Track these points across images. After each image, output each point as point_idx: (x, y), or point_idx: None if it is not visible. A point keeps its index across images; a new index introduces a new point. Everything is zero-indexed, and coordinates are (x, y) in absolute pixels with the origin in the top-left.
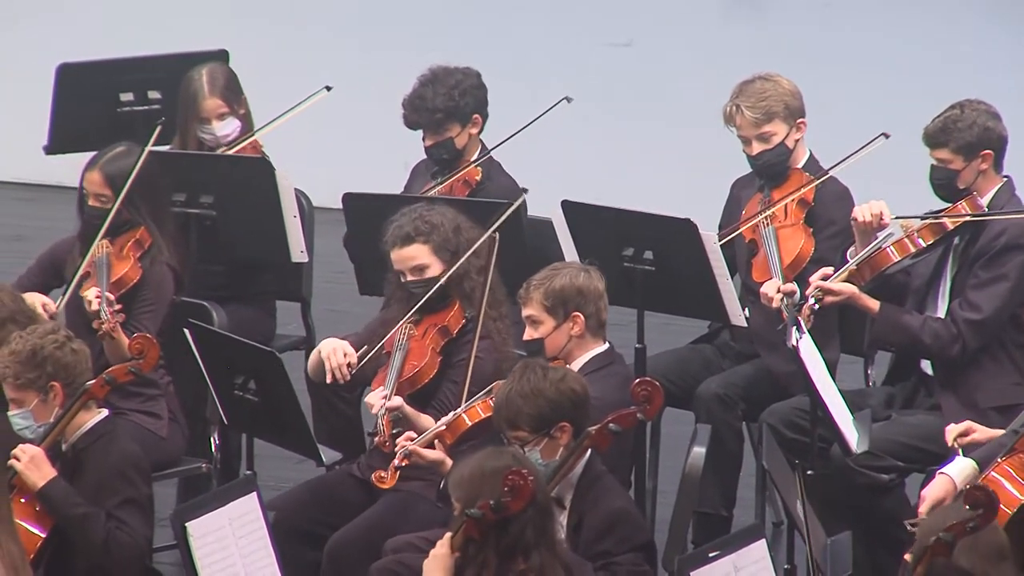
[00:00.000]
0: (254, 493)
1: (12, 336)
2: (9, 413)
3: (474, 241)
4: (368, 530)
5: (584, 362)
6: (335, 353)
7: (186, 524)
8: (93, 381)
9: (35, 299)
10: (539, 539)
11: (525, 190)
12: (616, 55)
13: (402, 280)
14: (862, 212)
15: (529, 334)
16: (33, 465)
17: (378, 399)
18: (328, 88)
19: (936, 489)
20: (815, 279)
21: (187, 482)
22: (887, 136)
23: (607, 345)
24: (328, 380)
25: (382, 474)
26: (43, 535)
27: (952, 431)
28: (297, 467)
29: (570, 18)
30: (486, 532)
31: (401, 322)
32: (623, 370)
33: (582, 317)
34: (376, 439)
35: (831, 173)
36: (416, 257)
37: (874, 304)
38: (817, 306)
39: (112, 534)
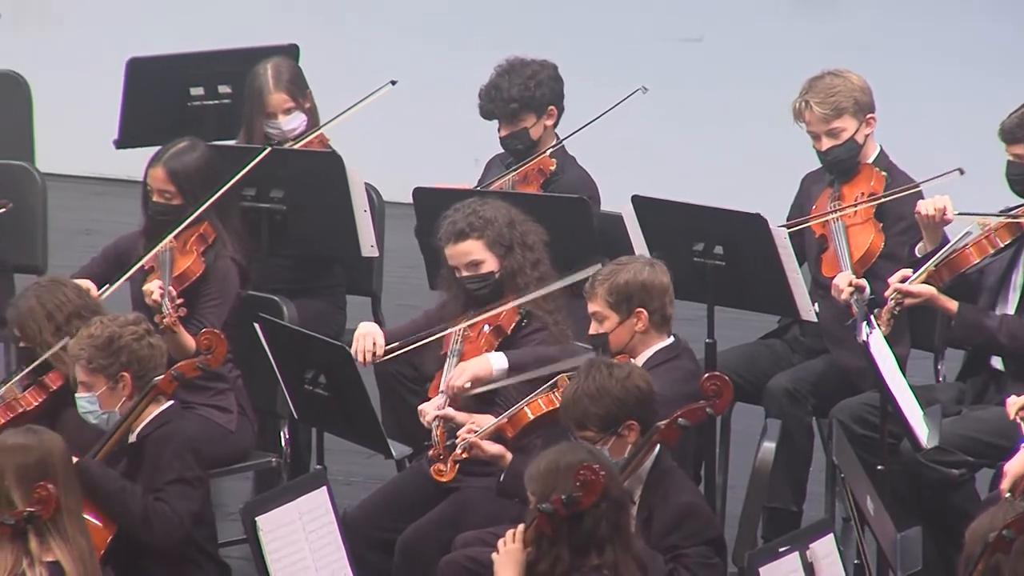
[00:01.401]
0: (324, 487)
1: (94, 320)
2: (77, 395)
3: (528, 234)
4: (439, 525)
5: (648, 356)
6: (365, 338)
7: (256, 518)
8: (161, 376)
9: (79, 284)
10: (613, 534)
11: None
12: (687, 51)
13: (457, 276)
14: (926, 207)
15: (594, 328)
16: None
17: (432, 408)
18: (393, 82)
19: (1018, 464)
20: (894, 281)
21: (259, 476)
22: (962, 172)
23: (672, 339)
24: (359, 359)
25: (441, 467)
26: (111, 532)
27: (1015, 404)
28: (367, 461)
29: (641, 14)
30: (558, 527)
31: (459, 331)
32: (688, 364)
33: (646, 313)
34: (431, 451)
35: (896, 195)
36: (471, 253)
37: (953, 305)
38: (897, 309)
39: (150, 506)
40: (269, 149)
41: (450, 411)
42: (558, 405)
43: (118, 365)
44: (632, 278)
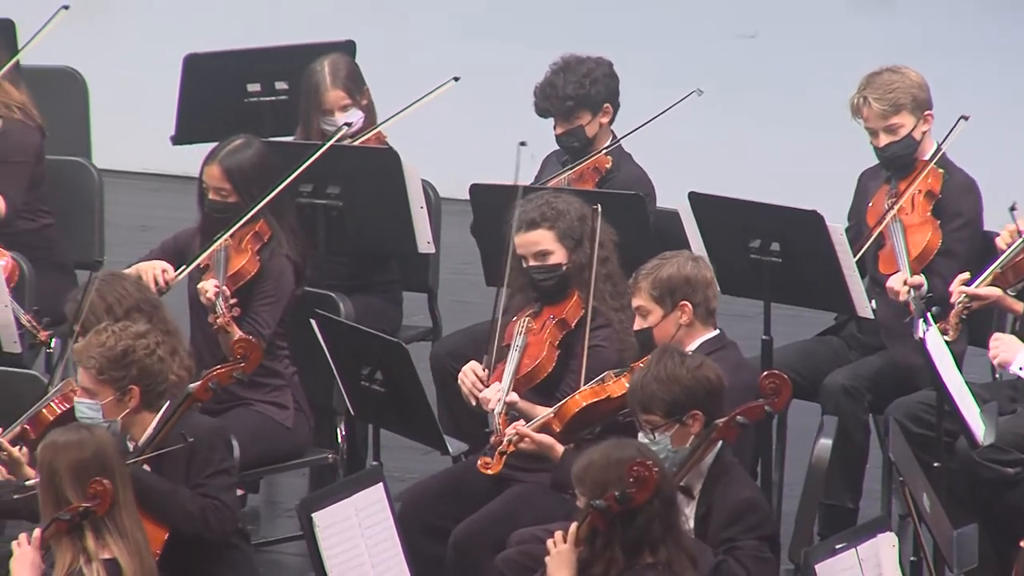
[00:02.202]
0: (380, 484)
1: (104, 327)
2: (76, 399)
3: (598, 231)
4: (493, 522)
5: (694, 348)
6: (465, 377)
7: (312, 515)
8: (197, 385)
9: (155, 265)
10: (666, 533)
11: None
12: (743, 48)
13: (524, 265)
14: (1003, 239)
15: (639, 324)
16: None
17: (494, 395)
18: (456, 79)
19: None
20: (957, 286)
21: (315, 472)
22: (966, 118)
23: (718, 331)
24: (473, 404)
25: (488, 460)
26: (165, 533)
27: None
28: (423, 458)
29: (697, 11)
30: (611, 524)
31: (523, 322)
32: (735, 355)
33: (690, 306)
34: (492, 438)
35: (933, 164)
36: (540, 242)
37: (1019, 306)
38: (965, 313)
39: (205, 503)
40: (333, 140)
41: (514, 396)
42: (603, 397)
43: (128, 379)
44: (676, 272)
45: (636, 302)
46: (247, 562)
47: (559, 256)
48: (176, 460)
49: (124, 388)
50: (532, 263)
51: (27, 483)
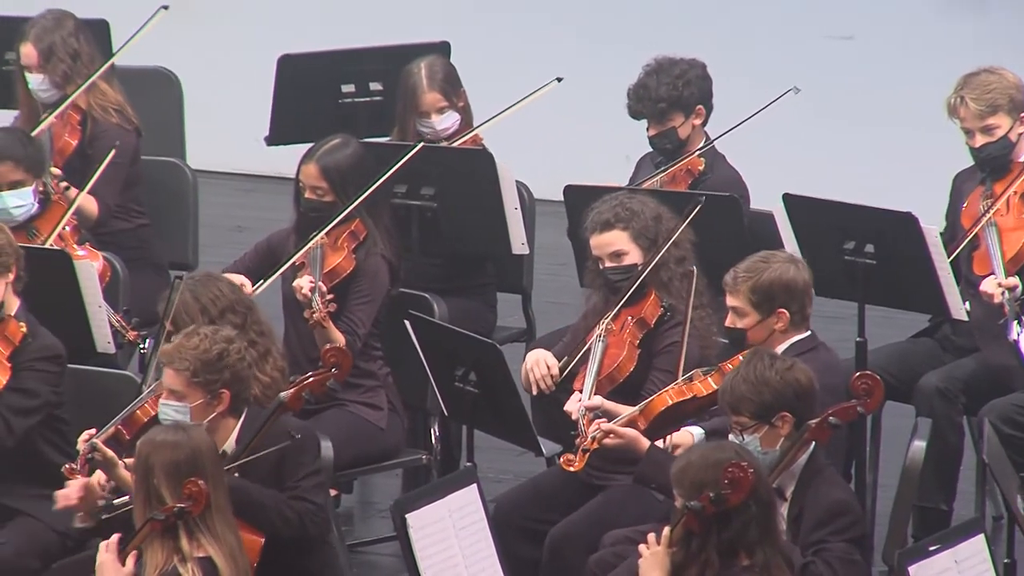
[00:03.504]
0: (474, 485)
1: (194, 330)
2: (162, 402)
3: (674, 232)
4: (588, 524)
5: (784, 349)
6: (538, 365)
7: (406, 515)
8: (289, 394)
9: (232, 279)
10: (763, 536)
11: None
12: (838, 49)
13: (600, 267)
14: None
15: (732, 322)
16: None
17: (575, 406)
18: (559, 79)
19: None
20: None
21: (409, 473)
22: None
23: (809, 332)
24: (534, 392)
25: (570, 457)
26: (261, 539)
27: None
28: (517, 459)
29: (792, 12)
30: (707, 526)
31: (602, 324)
32: (826, 356)
33: (787, 314)
34: (577, 440)
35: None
36: (614, 243)
37: None
38: None
39: (302, 507)
40: (421, 144)
41: (598, 399)
42: (689, 396)
43: (221, 383)
44: (777, 277)
45: (733, 302)
46: (335, 559)
47: (634, 256)
48: (266, 463)
49: (215, 392)
50: (608, 264)
51: (115, 502)
